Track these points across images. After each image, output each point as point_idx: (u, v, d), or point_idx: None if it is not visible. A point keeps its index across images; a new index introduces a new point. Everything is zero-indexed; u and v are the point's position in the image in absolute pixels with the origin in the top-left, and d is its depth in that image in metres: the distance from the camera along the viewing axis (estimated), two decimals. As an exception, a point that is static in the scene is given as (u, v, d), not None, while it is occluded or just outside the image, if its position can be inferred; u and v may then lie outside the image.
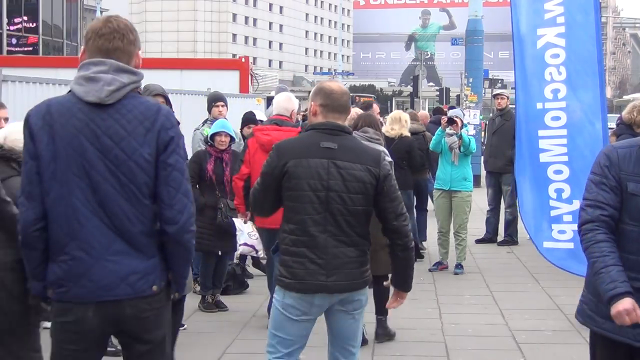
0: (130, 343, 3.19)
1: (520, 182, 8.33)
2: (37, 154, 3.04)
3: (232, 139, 7.51)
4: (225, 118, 9.00)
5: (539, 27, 7.94)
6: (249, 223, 7.05)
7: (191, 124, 9.46)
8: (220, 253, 7.56)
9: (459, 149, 9.21)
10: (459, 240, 9.40)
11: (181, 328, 6.95)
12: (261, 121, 9.34)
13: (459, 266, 9.43)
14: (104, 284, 3.05)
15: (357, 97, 37.01)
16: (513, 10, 8.31)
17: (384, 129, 8.36)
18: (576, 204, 7.74)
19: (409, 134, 9.47)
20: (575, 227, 7.69)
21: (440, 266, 9.54)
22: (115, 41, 3.12)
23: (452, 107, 22.35)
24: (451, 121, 9.27)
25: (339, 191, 3.90)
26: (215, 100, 8.89)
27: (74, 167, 3.03)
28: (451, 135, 9.26)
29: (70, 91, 3.13)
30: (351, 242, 3.93)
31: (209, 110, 8.89)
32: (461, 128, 9.34)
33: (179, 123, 3.46)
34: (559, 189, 7.82)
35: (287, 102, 6.96)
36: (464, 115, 10.31)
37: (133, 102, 3.08)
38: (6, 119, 5.94)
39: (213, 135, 7.46)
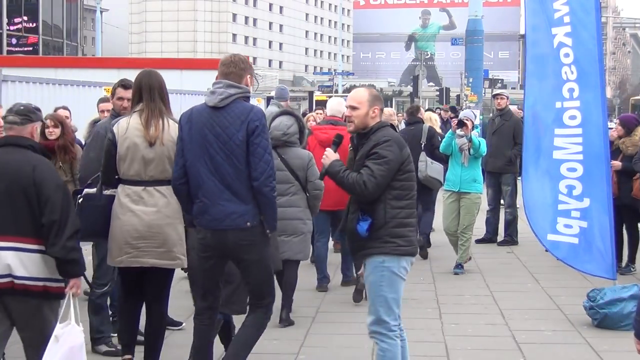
0: (236, 261, 5.01)
1: (526, 176, 8.37)
2: (182, 138, 4.94)
3: None
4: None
5: (553, 26, 7.96)
6: None
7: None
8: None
9: (469, 152, 9.20)
10: (463, 240, 9.39)
11: (178, 327, 6.97)
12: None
13: (459, 266, 9.42)
14: (216, 218, 4.85)
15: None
16: (526, 10, 8.33)
17: None
18: (586, 202, 7.76)
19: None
20: (583, 223, 7.75)
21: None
22: (230, 68, 4.98)
23: (452, 108, 22.37)
24: (461, 123, 9.25)
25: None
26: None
27: (200, 146, 4.86)
28: (461, 137, 9.25)
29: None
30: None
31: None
32: (472, 130, 9.35)
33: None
34: (571, 185, 7.86)
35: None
36: (475, 116, 10.30)
37: (236, 105, 4.89)
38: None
39: None
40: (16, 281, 4.29)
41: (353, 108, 4.85)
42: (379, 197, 4.71)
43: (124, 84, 6.20)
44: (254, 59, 79.16)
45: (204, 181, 4.85)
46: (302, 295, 7.92)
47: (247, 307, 5.32)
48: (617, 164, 9.00)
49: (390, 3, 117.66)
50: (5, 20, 47.46)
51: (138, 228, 5.19)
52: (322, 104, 38.38)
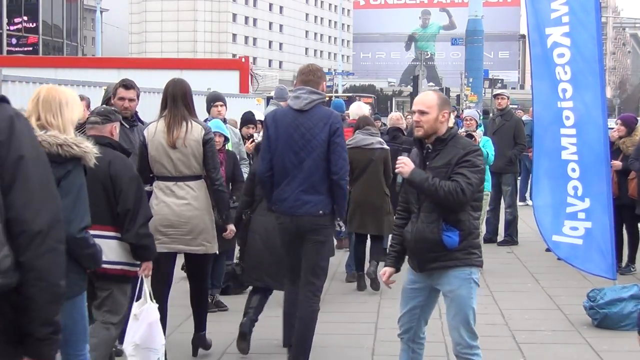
0: (307, 241, 5.59)
1: (537, 177, 8.39)
2: (269, 136, 5.62)
3: (225, 139, 7.51)
4: (225, 118, 9.00)
5: (547, 26, 7.97)
6: None
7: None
8: (217, 252, 7.57)
9: None
10: None
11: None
12: (261, 121, 9.37)
13: None
14: (294, 205, 5.53)
15: (357, 97, 37.00)
16: (527, 10, 8.35)
17: None
18: (587, 202, 7.77)
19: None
20: (588, 224, 7.76)
21: None
22: (309, 76, 5.67)
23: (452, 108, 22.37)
24: (469, 136, 9.25)
25: None
26: (214, 100, 8.89)
27: (285, 143, 5.54)
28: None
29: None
30: None
31: (208, 110, 8.89)
32: (476, 128, 9.40)
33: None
34: (575, 186, 7.90)
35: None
36: (480, 116, 10.33)
37: (318, 109, 5.58)
38: None
39: None
40: None
41: (422, 112, 4.64)
42: (464, 208, 4.64)
43: (125, 84, 6.23)
44: (254, 59, 79.14)
45: (287, 174, 5.55)
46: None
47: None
48: (618, 163, 9.00)
49: (390, 3, 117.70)
50: (5, 20, 47.46)
51: (168, 217, 5.76)
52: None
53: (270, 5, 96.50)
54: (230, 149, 7.90)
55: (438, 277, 4.66)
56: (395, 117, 10.39)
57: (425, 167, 4.62)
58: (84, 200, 4.07)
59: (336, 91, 51.15)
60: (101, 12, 48.38)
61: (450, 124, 5.10)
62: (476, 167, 4.58)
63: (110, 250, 4.77)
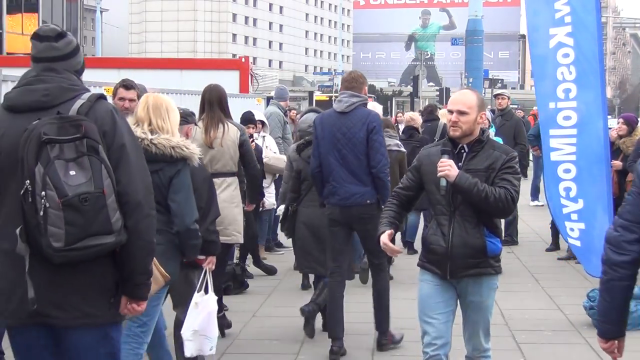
0: (358, 230, 6.30)
1: (545, 179, 8.49)
2: (317, 136, 6.31)
3: None
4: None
5: (551, 26, 7.96)
6: None
7: (191, 124, 9.44)
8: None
9: None
10: None
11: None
12: (261, 121, 9.37)
13: None
14: (343, 197, 6.20)
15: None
16: (527, 10, 8.34)
17: None
18: (581, 203, 7.76)
19: None
20: (581, 225, 7.77)
21: None
22: (352, 83, 6.35)
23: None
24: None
25: None
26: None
27: (330, 142, 6.22)
28: None
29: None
30: None
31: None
32: (488, 128, 9.38)
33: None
34: (567, 187, 7.88)
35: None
36: (492, 115, 10.26)
37: (359, 111, 6.22)
38: None
39: None
40: None
41: (462, 113, 4.41)
42: (509, 215, 4.60)
43: (125, 84, 6.23)
44: (254, 59, 79.15)
45: (333, 169, 6.18)
46: (301, 296, 7.92)
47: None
48: (618, 163, 9.00)
49: (390, 3, 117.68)
50: (5, 20, 47.45)
51: None
52: (322, 104, 38.40)
53: (270, 5, 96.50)
54: None
55: (467, 285, 4.50)
56: (410, 117, 11.32)
57: (458, 168, 4.41)
58: (192, 196, 4.66)
59: (336, 91, 51.12)
60: (101, 12, 48.40)
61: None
62: (518, 175, 4.48)
63: None
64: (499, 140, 9.57)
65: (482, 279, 4.49)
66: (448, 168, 4.33)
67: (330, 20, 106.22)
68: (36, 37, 3.43)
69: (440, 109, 20.50)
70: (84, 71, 3.54)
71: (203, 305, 5.13)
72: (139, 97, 6.40)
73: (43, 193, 3.06)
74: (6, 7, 47.62)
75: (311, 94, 38.82)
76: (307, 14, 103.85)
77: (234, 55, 71.59)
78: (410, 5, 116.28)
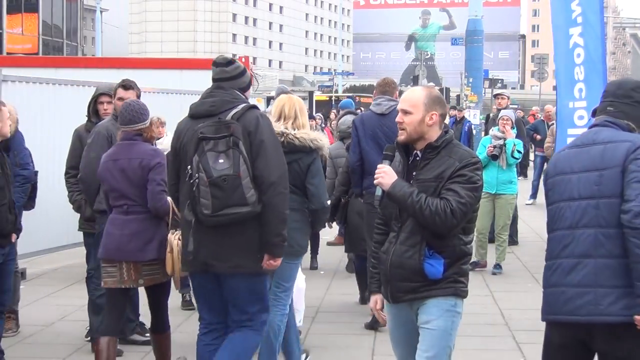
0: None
1: None
2: (357, 134, 6.87)
3: None
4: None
5: (570, 26, 7.98)
6: None
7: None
8: None
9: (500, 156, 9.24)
10: (499, 241, 9.44)
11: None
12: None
13: (497, 266, 9.47)
14: None
15: (357, 97, 37.00)
16: (551, 9, 8.36)
17: None
18: None
19: None
20: None
21: (477, 266, 9.52)
22: (386, 87, 7.01)
23: (452, 108, 22.40)
24: (494, 157, 9.25)
25: None
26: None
27: (372, 140, 6.79)
28: (499, 139, 9.32)
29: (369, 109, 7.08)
30: None
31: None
32: (511, 128, 9.36)
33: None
34: None
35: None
36: (515, 117, 10.18)
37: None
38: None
39: None
40: None
41: (405, 112, 3.88)
42: (453, 232, 3.82)
43: (124, 85, 6.21)
44: (254, 59, 79.17)
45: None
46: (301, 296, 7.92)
47: None
48: None
49: (390, 3, 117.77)
50: (5, 20, 47.45)
51: None
52: (322, 104, 38.31)
53: (270, 5, 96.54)
54: None
55: (416, 307, 3.89)
56: None
57: (411, 179, 3.83)
58: (324, 180, 5.54)
59: (336, 91, 51.13)
60: (101, 12, 48.38)
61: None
62: (472, 184, 3.75)
63: None
64: (520, 143, 9.51)
65: (428, 300, 3.84)
66: (382, 175, 3.82)
67: (330, 20, 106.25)
68: (214, 64, 4.75)
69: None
70: (249, 88, 4.79)
71: (296, 281, 5.59)
72: (138, 97, 6.40)
73: (197, 175, 4.33)
74: (6, 7, 47.59)
75: (311, 94, 38.76)
76: (307, 14, 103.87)
77: (234, 55, 71.51)
78: (410, 5, 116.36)
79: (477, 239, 9.53)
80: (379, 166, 3.90)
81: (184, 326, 6.99)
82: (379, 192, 3.88)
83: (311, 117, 19.64)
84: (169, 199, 5.06)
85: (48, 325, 7.03)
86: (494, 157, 9.23)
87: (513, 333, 6.93)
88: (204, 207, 4.31)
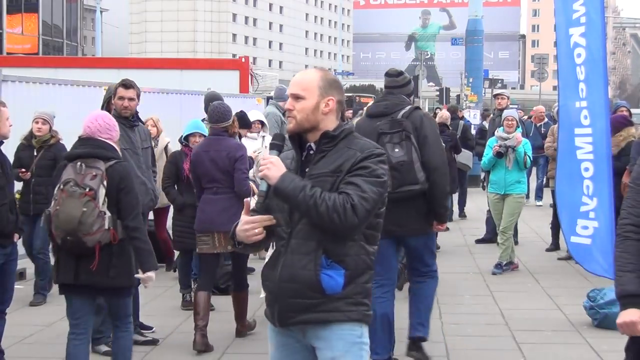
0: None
1: (560, 177, 8.45)
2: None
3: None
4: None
5: (570, 26, 8.01)
6: None
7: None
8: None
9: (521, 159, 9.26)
10: (503, 240, 9.43)
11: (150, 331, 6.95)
12: (260, 121, 9.35)
13: (499, 266, 9.45)
14: None
15: (357, 97, 37.02)
16: (555, 8, 8.38)
17: None
18: (595, 201, 7.80)
19: None
20: (595, 223, 7.78)
21: (512, 266, 9.53)
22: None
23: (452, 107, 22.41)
24: (499, 155, 9.30)
25: None
26: (212, 99, 8.88)
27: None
28: (505, 139, 9.34)
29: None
30: None
31: (206, 109, 8.90)
32: (516, 129, 9.39)
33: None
34: (587, 185, 7.94)
35: None
36: (519, 116, 10.25)
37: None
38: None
39: (187, 136, 7.54)
40: None
41: (296, 97, 3.22)
42: (355, 233, 3.17)
43: (124, 84, 6.23)
44: (254, 59, 79.15)
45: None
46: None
47: None
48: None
49: (390, 3, 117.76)
50: (5, 20, 47.45)
51: None
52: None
53: (270, 5, 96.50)
54: None
55: (312, 335, 3.19)
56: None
57: (304, 175, 3.19)
58: None
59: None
60: (101, 12, 48.38)
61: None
62: (376, 177, 3.14)
63: None
64: (527, 143, 9.49)
65: (331, 326, 3.15)
66: (268, 166, 3.15)
67: (330, 20, 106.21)
68: (387, 74, 6.03)
69: (440, 109, 20.57)
70: (412, 94, 6.12)
71: None
72: (138, 96, 6.40)
73: None
74: (6, 7, 47.59)
75: (311, 94, 38.75)
76: (307, 14, 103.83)
77: (234, 55, 71.56)
78: (410, 5, 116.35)
79: (501, 241, 9.52)
80: (263, 156, 3.26)
81: (184, 326, 6.99)
82: (263, 186, 3.19)
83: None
84: (251, 183, 6.47)
85: (48, 326, 7.03)
86: (499, 155, 9.27)
87: (513, 333, 6.93)
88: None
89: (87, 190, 4.62)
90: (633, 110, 11.94)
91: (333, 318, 3.13)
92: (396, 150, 5.60)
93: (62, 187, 4.66)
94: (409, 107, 5.79)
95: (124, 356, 5.09)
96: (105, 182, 4.69)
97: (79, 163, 4.73)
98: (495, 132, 9.74)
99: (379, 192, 3.15)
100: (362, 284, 3.18)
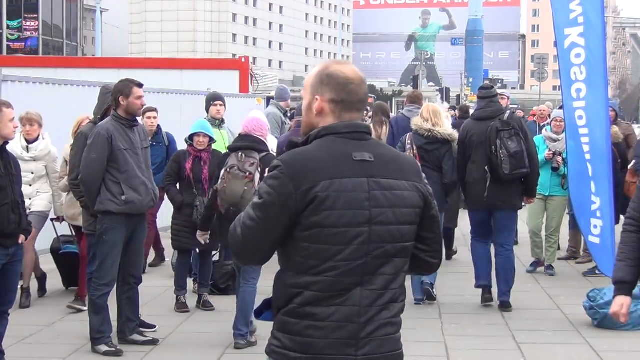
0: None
1: (571, 177, 8.45)
2: (393, 133, 8.98)
3: (211, 140, 7.57)
4: (223, 118, 9.02)
5: (566, 27, 8.00)
6: None
7: (191, 123, 9.45)
8: (198, 251, 7.60)
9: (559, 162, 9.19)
10: (550, 243, 9.41)
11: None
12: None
13: (550, 267, 9.43)
14: None
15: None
16: (552, 9, 8.38)
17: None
18: (598, 201, 7.80)
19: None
20: (600, 222, 7.79)
21: (538, 265, 9.53)
22: (415, 99, 9.21)
23: (453, 107, 22.42)
24: (555, 169, 9.25)
25: (386, 223, 2.71)
26: (213, 99, 8.92)
27: (403, 135, 8.19)
28: (554, 140, 9.29)
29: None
30: (392, 297, 2.75)
31: (207, 109, 8.92)
32: (563, 131, 9.33)
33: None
34: (592, 185, 7.92)
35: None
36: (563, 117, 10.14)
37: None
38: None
39: (192, 136, 7.54)
40: None
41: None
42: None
43: (139, 83, 6.27)
44: (254, 59, 79.12)
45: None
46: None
47: None
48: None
49: (390, 3, 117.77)
50: (5, 20, 47.47)
51: None
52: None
53: (270, 5, 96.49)
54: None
55: None
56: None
57: None
58: (454, 163, 7.76)
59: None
60: (101, 12, 48.38)
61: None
62: (259, 199, 2.65)
63: None
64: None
65: None
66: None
67: (330, 20, 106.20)
68: (482, 88, 7.98)
69: (455, 108, 20.53)
70: (497, 100, 7.87)
71: None
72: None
73: (501, 151, 7.39)
74: (6, 7, 47.59)
75: (311, 94, 38.77)
76: (307, 14, 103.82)
77: (234, 55, 71.56)
78: (410, 5, 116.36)
79: (532, 241, 9.53)
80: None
81: (184, 326, 6.99)
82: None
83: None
84: None
85: (48, 326, 7.03)
86: (554, 169, 9.24)
87: (513, 333, 6.92)
88: (504, 169, 7.38)
89: (247, 174, 6.07)
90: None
91: None
92: (510, 143, 7.37)
93: (228, 170, 6.12)
94: (509, 111, 7.74)
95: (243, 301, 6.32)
96: (259, 169, 6.04)
97: (240, 153, 6.18)
98: (544, 132, 9.68)
99: (259, 217, 2.61)
100: (280, 317, 2.70)
